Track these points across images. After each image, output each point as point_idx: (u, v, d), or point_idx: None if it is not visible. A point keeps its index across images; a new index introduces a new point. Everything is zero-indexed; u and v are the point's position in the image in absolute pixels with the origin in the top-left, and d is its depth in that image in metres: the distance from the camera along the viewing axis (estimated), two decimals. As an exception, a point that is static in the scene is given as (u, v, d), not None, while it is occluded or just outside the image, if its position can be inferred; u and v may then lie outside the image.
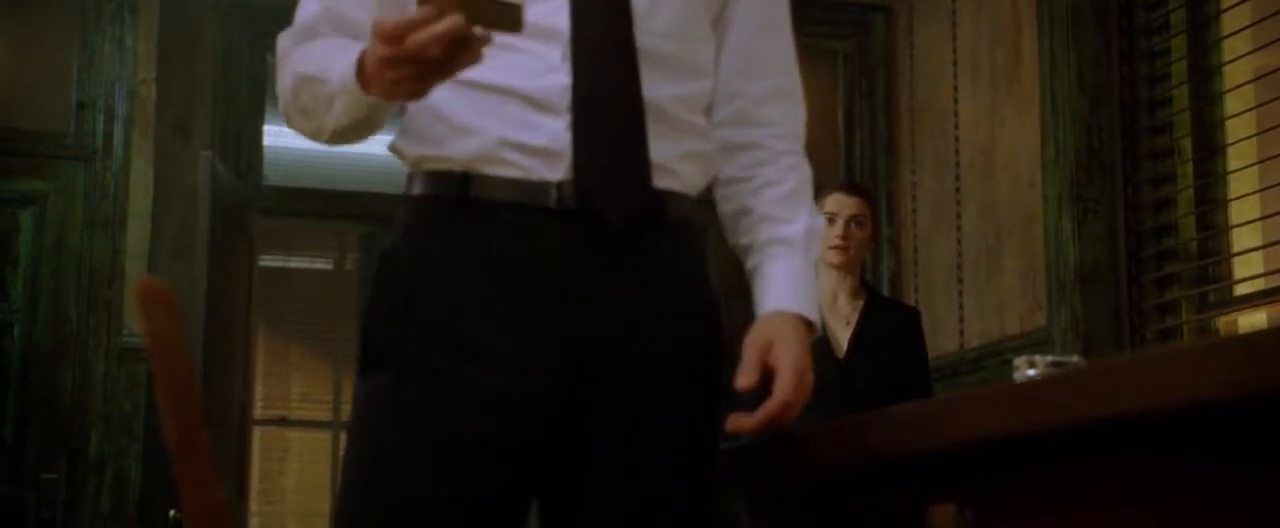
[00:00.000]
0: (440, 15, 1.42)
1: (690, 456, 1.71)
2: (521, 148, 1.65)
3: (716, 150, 1.81)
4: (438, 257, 1.67)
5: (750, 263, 1.83)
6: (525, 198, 1.65)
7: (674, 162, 1.72)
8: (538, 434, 1.63)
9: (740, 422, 1.69)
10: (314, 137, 1.71)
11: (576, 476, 1.66)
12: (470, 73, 1.52)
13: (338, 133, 1.66)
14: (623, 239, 1.67)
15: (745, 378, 1.70)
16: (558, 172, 1.65)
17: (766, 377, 1.70)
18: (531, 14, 1.59)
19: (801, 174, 1.87)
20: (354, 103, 1.58)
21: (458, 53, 1.44)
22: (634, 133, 1.68)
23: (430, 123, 1.69)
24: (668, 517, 1.68)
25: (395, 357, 1.65)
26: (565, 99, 1.65)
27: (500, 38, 1.49)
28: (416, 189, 1.72)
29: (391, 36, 1.45)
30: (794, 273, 1.79)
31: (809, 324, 1.76)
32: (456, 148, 1.67)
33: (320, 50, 1.67)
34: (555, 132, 1.65)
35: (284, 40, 1.74)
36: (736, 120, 1.84)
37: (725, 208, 1.85)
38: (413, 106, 1.70)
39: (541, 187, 1.65)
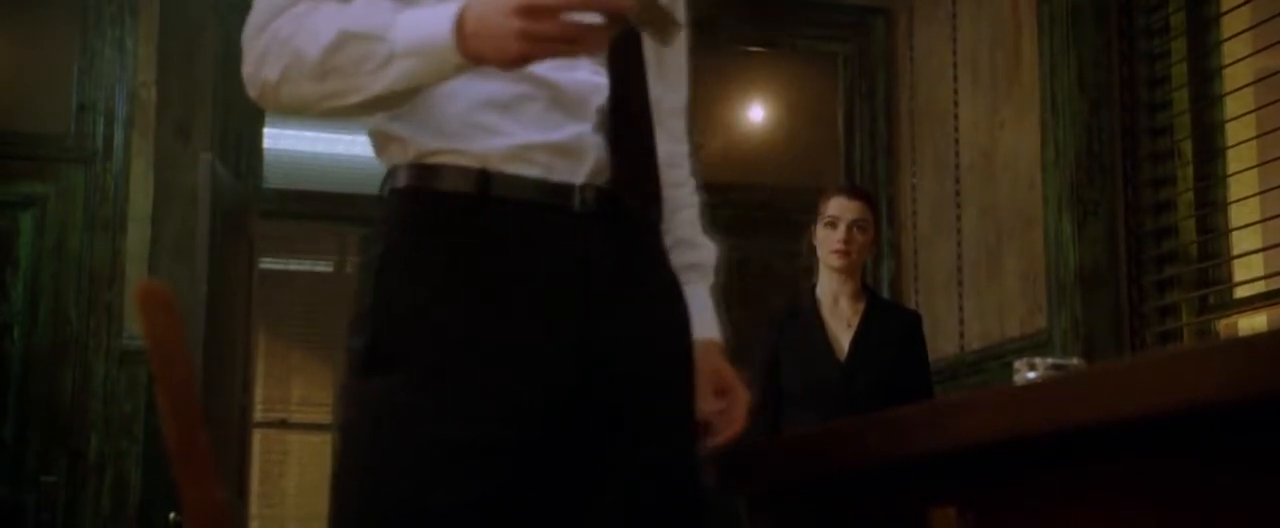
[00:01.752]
0: None
1: (690, 454, 1.72)
2: (547, 148, 1.63)
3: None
4: (453, 256, 1.63)
5: None
6: (548, 198, 1.63)
7: (661, 167, 1.74)
8: (548, 436, 1.61)
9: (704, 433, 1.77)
10: (330, 100, 1.60)
11: (581, 475, 1.65)
12: None
13: (379, 100, 1.58)
14: (634, 242, 1.67)
15: (716, 402, 1.80)
16: (581, 173, 1.64)
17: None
18: None
19: (697, 196, 1.94)
20: (430, 68, 1.52)
21: (592, 36, 1.44)
22: (650, 136, 1.69)
23: (437, 116, 1.64)
24: (672, 517, 1.68)
25: (407, 358, 1.60)
26: (592, 98, 1.64)
27: None
28: (417, 183, 1.66)
29: None
30: (711, 302, 1.88)
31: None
32: (477, 144, 1.63)
33: (347, 9, 1.59)
34: (580, 132, 1.64)
35: (275, 0, 1.63)
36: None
37: None
38: (420, 96, 1.63)
39: (565, 188, 1.64)
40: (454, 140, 1.64)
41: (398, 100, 1.60)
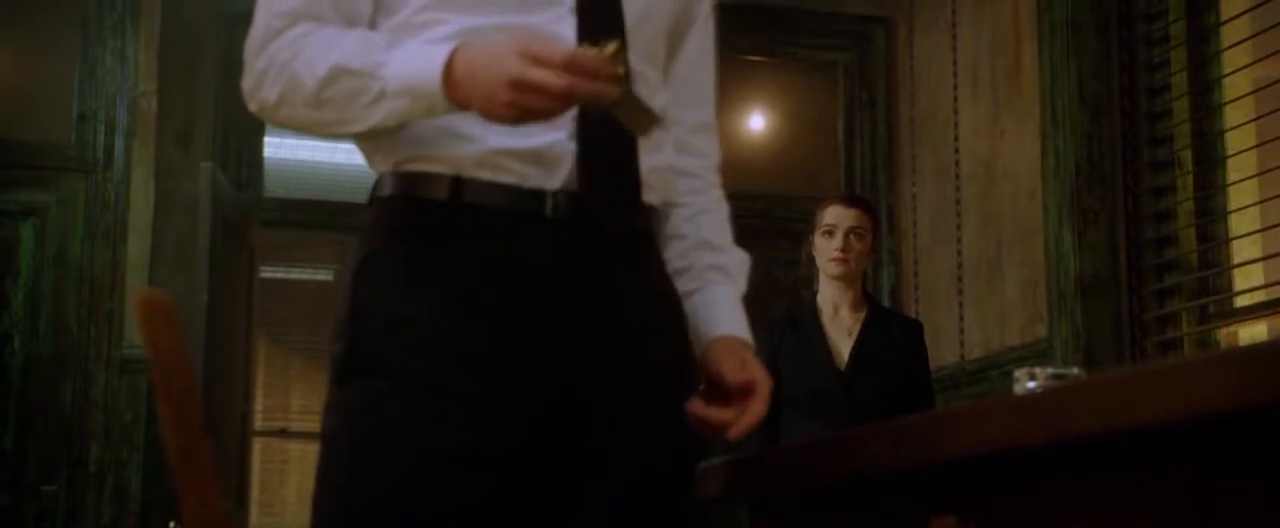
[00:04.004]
0: (600, 76, 1.48)
1: (677, 462, 1.71)
2: (519, 155, 1.63)
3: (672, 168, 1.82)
4: (427, 262, 1.63)
5: (687, 286, 1.84)
6: (520, 205, 1.63)
7: (651, 175, 1.73)
8: (528, 444, 1.61)
9: (719, 415, 1.71)
10: (326, 128, 1.65)
11: (566, 484, 1.65)
12: None
13: (372, 132, 1.63)
14: (612, 249, 1.67)
15: (743, 374, 1.74)
16: (555, 180, 1.64)
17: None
18: (534, 20, 1.60)
19: (726, 207, 1.93)
20: (419, 107, 1.57)
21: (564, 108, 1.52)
22: (630, 144, 1.68)
23: (422, 123, 1.64)
24: (658, 524, 1.68)
25: (383, 366, 1.61)
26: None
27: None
28: (397, 190, 1.68)
29: (568, 66, 1.48)
30: (736, 302, 1.86)
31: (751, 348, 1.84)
32: (449, 151, 1.64)
33: (343, 38, 1.62)
34: (554, 140, 1.64)
35: (274, 20, 1.66)
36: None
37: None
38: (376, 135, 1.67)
39: (537, 194, 1.64)
40: (429, 147, 1.65)
41: (393, 131, 1.64)
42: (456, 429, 1.58)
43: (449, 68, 1.54)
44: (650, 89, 1.74)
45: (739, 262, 1.89)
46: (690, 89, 1.87)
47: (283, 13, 1.66)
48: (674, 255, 1.84)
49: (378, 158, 1.71)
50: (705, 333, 1.81)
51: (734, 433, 1.73)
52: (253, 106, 1.70)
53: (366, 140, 1.71)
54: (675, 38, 1.84)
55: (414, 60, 1.57)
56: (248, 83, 1.69)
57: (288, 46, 1.64)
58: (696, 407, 1.72)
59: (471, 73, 1.53)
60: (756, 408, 1.73)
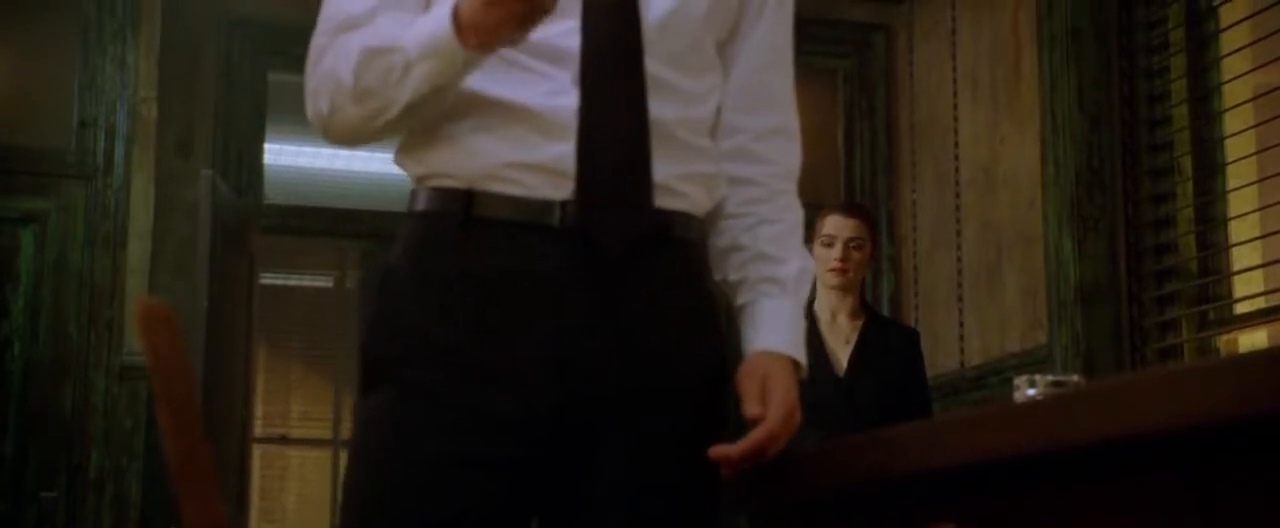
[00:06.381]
0: None
1: (689, 474, 1.71)
2: (527, 167, 1.65)
3: (721, 174, 1.80)
4: (439, 274, 1.66)
5: (741, 300, 1.82)
6: (528, 217, 1.65)
7: (679, 182, 1.71)
8: (536, 452, 1.63)
9: (723, 451, 1.69)
10: (372, 120, 1.67)
11: (576, 494, 1.66)
12: (482, 89, 1.64)
13: (412, 108, 1.64)
14: (624, 259, 1.67)
15: (755, 407, 1.71)
16: (562, 191, 1.65)
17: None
18: (543, 35, 1.60)
19: (795, 214, 1.89)
20: (443, 65, 1.59)
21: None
22: (638, 153, 1.68)
23: (435, 141, 1.69)
24: None
25: (394, 374, 1.65)
26: (574, 121, 1.65)
27: (507, 55, 1.61)
28: (420, 205, 1.72)
29: None
30: (785, 315, 1.80)
31: (798, 366, 1.79)
32: (461, 166, 1.67)
33: (376, 28, 1.67)
34: (561, 152, 1.65)
35: (320, 39, 1.72)
36: (735, 155, 1.82)
37: (717, 242, 1.83)
38: (417, 124, 1.70)
39: (545, 205, 1.65)
40: (447, 163, 1.69)
41: (440, 101, 1.66)
42: (463, 438, 1.61)
43: (456, 15, 1.57)
44: (682, 97, 1.73)
45: (797, 271, 1.83)
46: (754, 93, 1.84)
47: (326, 30, 1.72)
48: (732, 268, 1.82)
49: (410, 175, 1.75)
50: (745, 348, 1.79)
51: (729, 456, 1.71)
52: (319, 130, 1.74)
53: (403, 154, 1.74)
54: (731, 41, 1.82)
55: (427, 23, 1.60)
56: (309, 109, 1.72)
57: (329, 56, 1.69)
58: (716, 451, 1.70)
59: (470, 11, 1.55)
60: (760, 431, 1.70)
